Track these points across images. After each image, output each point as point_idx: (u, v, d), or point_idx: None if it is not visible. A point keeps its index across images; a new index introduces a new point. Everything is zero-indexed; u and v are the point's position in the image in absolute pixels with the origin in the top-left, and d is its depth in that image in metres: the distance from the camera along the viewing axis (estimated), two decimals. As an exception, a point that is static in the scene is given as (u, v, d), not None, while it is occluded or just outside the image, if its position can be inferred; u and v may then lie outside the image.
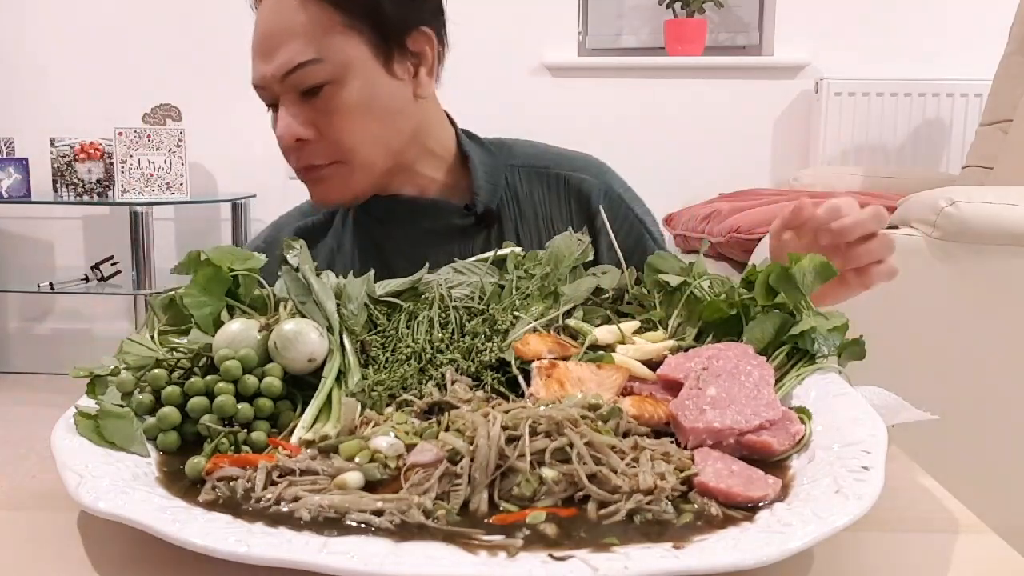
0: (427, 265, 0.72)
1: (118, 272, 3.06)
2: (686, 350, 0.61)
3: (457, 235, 0.96)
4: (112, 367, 0.58)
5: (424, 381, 0.59)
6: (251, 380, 0.56)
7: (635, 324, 0.66)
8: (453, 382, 0.58)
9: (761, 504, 0.44)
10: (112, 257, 3.06)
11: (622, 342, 0.63)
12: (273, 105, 0.89)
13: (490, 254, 0.76)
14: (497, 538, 0.41)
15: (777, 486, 0.46)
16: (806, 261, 0.63)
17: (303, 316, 0.62)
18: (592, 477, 0.45)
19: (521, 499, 0.44)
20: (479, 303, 0.69)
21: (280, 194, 3.04)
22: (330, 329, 0.61)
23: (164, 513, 0.42)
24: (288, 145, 0.87)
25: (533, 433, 0.47)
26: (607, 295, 0.71)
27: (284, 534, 0.41)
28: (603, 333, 0.63)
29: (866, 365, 0.62)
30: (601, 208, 0.96)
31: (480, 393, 0.58)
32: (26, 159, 2.92)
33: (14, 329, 3.28)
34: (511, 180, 0.99)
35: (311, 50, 0.84)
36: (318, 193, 0.92)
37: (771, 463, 0.50)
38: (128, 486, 0.45)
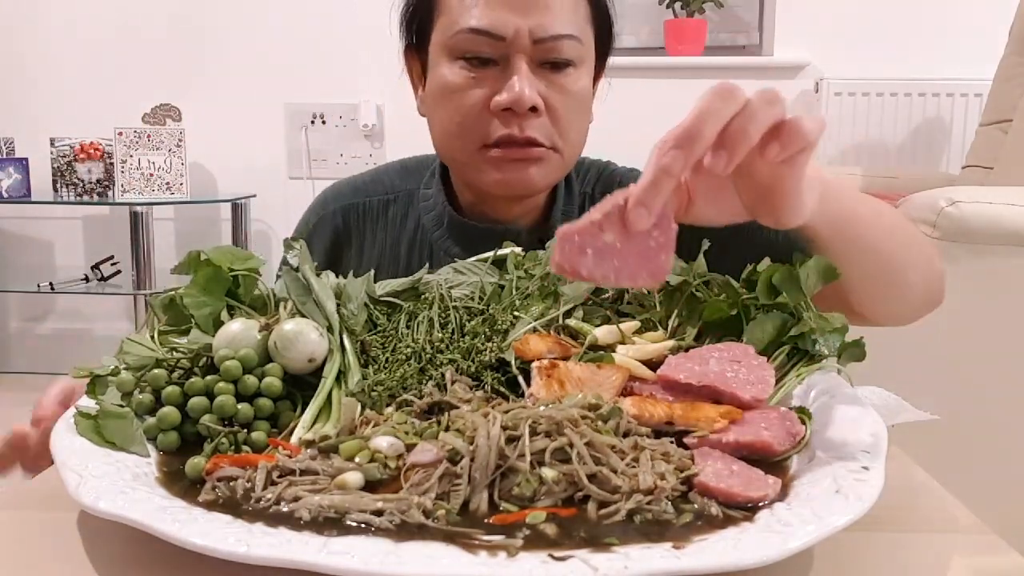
0: (428, 265, 0.72)
1: (118, 272, 3.06)
2: (686, 350, 0.61)
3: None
4: (112, 367, 0.58)
5: (424, 381, 0.59)
6: (251, 380, 0.56)
7: (635, 324, 0.66)
8: (453, 382, 0.58)
9: (761, 504, 0.44)
10: (112, 257, 3.06)
11: (622, 342, 0.63)
12: (476, 60, 0.81)
13: (490, 254, 0.76)
14: (497, 538, 0.41)
15: (777, 486, 0.46)
16: (811, 262, 0.63)
17: (303, 316, 0.62)
18: (592, 477, 0.45)
19: (521, 499, 0.44)
20: (479, 303, 0.69)
21: (280, 194, 3.04)
22: (330, 329, 0.61)
23: (164, 513, 0.42)
24: (520, 109, 0.80)
25: (533, 433, 0.47)
26: (607, 295, 0.71)
27: (284, 534, 0.41)
28: (603, 333, 0.63)
29: (866, 365, 0.62)
30: None
31: (480, 393, 0.58)
32: (26, 159, 2.92)
33: (14, 329, 3.28)
34: (584, 207, 0.94)
35: (573, 26, 0.82)
36: (521, 178, 0.83)
37: (771, 463, 0.50)
38: (128, 486, 0.45)
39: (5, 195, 2.91)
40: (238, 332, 0.58)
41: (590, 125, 0.91)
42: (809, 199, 0.55)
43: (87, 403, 0.55)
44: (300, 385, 0.59)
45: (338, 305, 0.64)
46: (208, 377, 0.56)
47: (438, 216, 0.93)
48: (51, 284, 2.98)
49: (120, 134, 2.84)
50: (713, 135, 0.47)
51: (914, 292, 0.74)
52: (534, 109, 0.80)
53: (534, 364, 0.58)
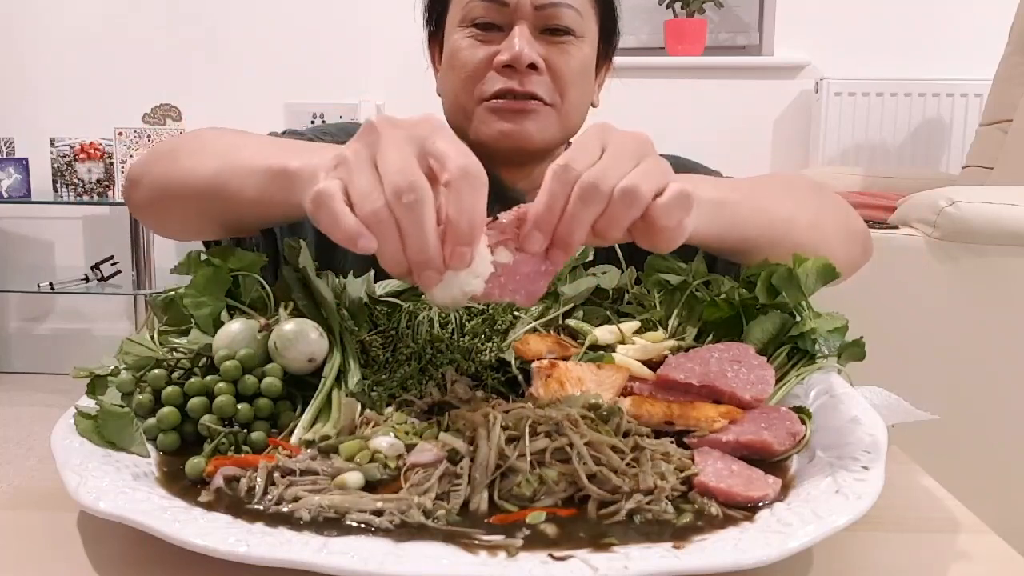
0: None
1: (118, 272, 3.06)
2: (686, 350, 0.61)
3: None
4: (112, 367, 0.58)
5: (424, 381, 0.59)
6: (251, 380, 0.56)
7: (635, 324, 0.66)
8: (453, 382, 0.58)
9: (761, 504, 0.44)
10: (112, 257, 3.06)
11: (622, 342, 0.63)
12: (480, 25, 0.88)
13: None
14: (497, 538, 0.41)
15: (777, 486, 0.46)
16: (810, 262, 0.63)
17: (303, 316, 0.62)
18: (592, 477, 0.45)
19: (521, 499, 0.44)
20: (479, 303, 0.69)
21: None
22: (330, 329, 0.61)
23: (164, 513, 0.42)
24: (520, 67, 0.86)
25: (533, 433, 0.47)
26: (607, 295, 0.71)
27: (284, 534, 0.41)
28: (603, 333, 0.63)
29: (866, 365, 0.62)
30: None
31: (480, 393, 0.58)
32: (26, 159, 2.92)
33: (14, 329, 3.28)
34: None
35: None
36: (519, 129, 0.88)
37: (771, 463, 0.50)
38: (128, 486, 0.45)
39: (5, 195, 2.91)
40: (238, 332, 0.58)
41: (599, 114, 0.94)
42: (688, 228, 0.54)
43: (87, 403, 0.55)
44: (300, 385, 0.59)
45: (338, 305, 0.64)
46: (208, 377, 0.56)
47: None
48: (51, 284, 2.98)
49: (120, 134, 2.84)
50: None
51: (835, 261, 0.75)
52: (534, 67, 0.87)
53: (534, 364, 0.58)
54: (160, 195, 0.73)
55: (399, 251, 0.46)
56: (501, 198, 0.93)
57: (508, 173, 0.94)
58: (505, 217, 0.52)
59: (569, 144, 1.01)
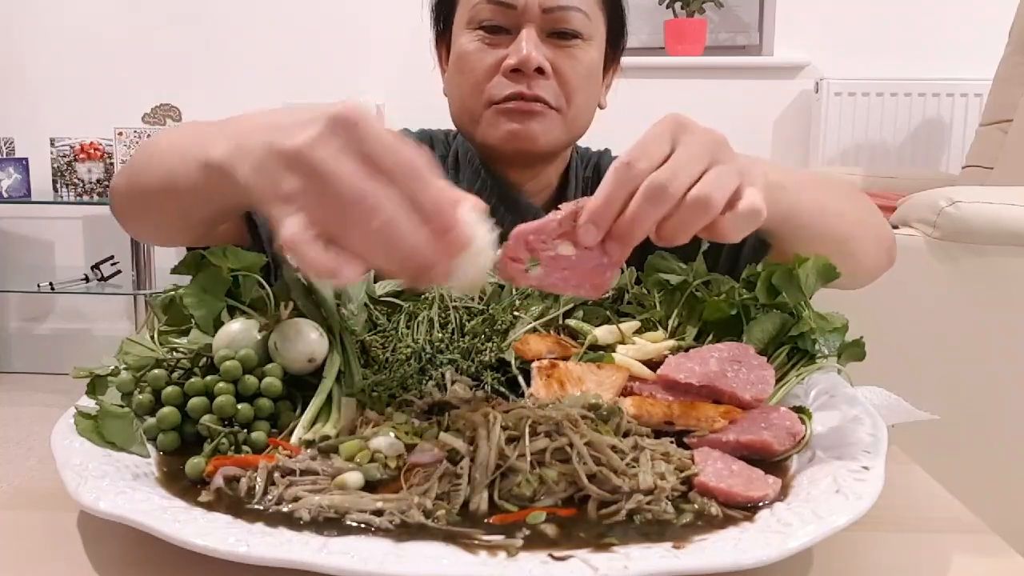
0: None
1: (118, 272, 3.06)
2: (686, 350, 0.61)
3: None
4: (112, 367, 0.58)
5: (424, 381, 0.59)
6: (251, 380, 0.56)
7: (635, 324, 0.66)
8: (453, 382, 0.58)
9: (761, 504, 0.44)
10: (112, 257, 3.06)
11: (622, 342, 0.63)
12: (488, 28, 0.88)
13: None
14: (497, 538, 0.41)
15: (777, 486, 0.46)
16: (810, 262, 0.63)
17: (303, 316, 0.62)
18: (592, 477, 0.45)
19: (521, 499, 0.44)
20: (479, 303, 0.69)
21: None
22: (330, 329, 0.61)
23: (164, 513, 0.42)
24: (527, 71, 0.86)
25: (533, 433, 0.47)
26: (607, 295, 0.71)
27: (284, 534, 0.41)
28: (603, 333, 0.63)
29: (866, 365, 0.62)
30: None
31: (480, 393, 0.58)
32: (26, 159, 2.92)
33: (14, 329, 3.28)
34: (586, 191, 1.00)
35: (581, 2, 0.88)
36: (525, 130, 0.88)
37: (771, 463, 0.50)
38: (128, 486, 0.45)
39: (5, 195, 2.91)
40: (238, 332, 0.58)
41: (598, 113, 0.96)
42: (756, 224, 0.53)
43: (87, 403, 0.55)
44: (300, 385, 0.59)
45: (338, 305, 0.64)
46: (208, 377, 0.56)
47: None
48: (51, 284, 2.98)
49: (120, 134, 2.84)
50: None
51: (866, 263, 0.76)
52: (541, 71, 0.86)
53: (534, 364, 0.58)
54: (130, 202, 0.73)
55: (392, 263, 0.44)
56: (508, 199, 0.94)
57: (515, 174, 0.95)
58: (565, 209, 0.50)
59: (576, 147, 1.02)
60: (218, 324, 0.61)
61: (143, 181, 0.69)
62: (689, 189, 0.48)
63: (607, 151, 1.06)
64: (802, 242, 0.68)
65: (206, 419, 0.54)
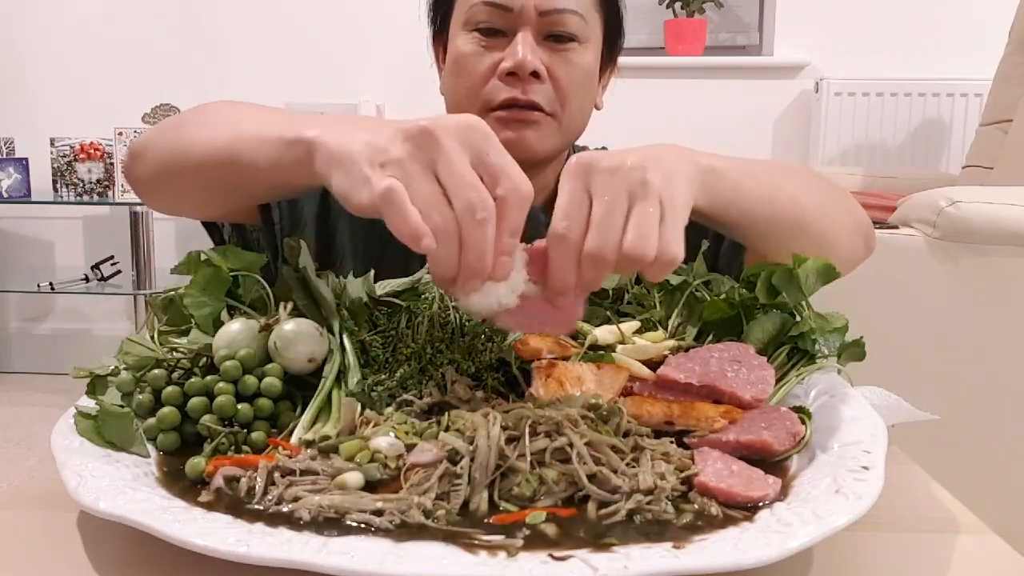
0: (427, 264, 0.72)
1: (118, 272, 3.06)
2: (686, 350, 0.61)
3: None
4: (112, 367, 0.58)
5: (424, 381, 0.59)
6: (251, 380, 0.56)
7: (635, 324, 0.66)
8: (453, 382, 0.58)
9: (761, 504, 0.44)
10: (112, 257, 3.06)
11: (622, 342, 0.63)
12: (484, 30, 0.88)
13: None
14: (497, 538, 0.41)
15: (777, 486, 0.46)
16: (810, 262, 0.63)
17: (303, 316, 0.62)
18: (592, 477, 0.45)
19: (521, 499, 0.44)
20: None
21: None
22: (330, 329, 0.61)
23: (164, 513, 0.42)
24: (523, 74, 0.86)
25: (533, 433, 0.47)
26: (607, 295, 0.71)
27: (284, 534, 0.41)
28: (603, 333, 0.63)
29: (866, 365, 0.62)
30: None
31: (480, 393, 0.58)
32: (26, 159, 2.92)
33: (14, 329, 3.28)
34: None
35: (578, 4, 0.87)
36: (521, 139, 0.88)
37: (771, 463, 0.50)
38: (128, 486, 0.45)
39: (5, 195, 2.91)
40: (238, 332, 0.58)
41: (597, 114, 0.96)
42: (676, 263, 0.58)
43: (87, 403, 0.55)
44: (300, 385, 0.59)
45: (338, 305, 0.64)
46: (208, 377, 0.56)
47: None
48: (51, 284, 2.98)
49: (120, 134, 2.84)
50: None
51: (839, 251, 0.74)
52: (536, 75, 0.86)
53: (534, 364, 0.58)
54: (166, 167, 0.73)
55: (454, 257, 0.50)
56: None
57: None
58: (526, 253, 0.55)
59: (574, 148, 1.01)
60: (218, 324, 0.61)
61: (192, 150, 0.69)
62: (623, 237, 0.53)
63: (604, 149, 1.06)
64: (756, 227, 0.68)
65: (206, 419, 0.54)
